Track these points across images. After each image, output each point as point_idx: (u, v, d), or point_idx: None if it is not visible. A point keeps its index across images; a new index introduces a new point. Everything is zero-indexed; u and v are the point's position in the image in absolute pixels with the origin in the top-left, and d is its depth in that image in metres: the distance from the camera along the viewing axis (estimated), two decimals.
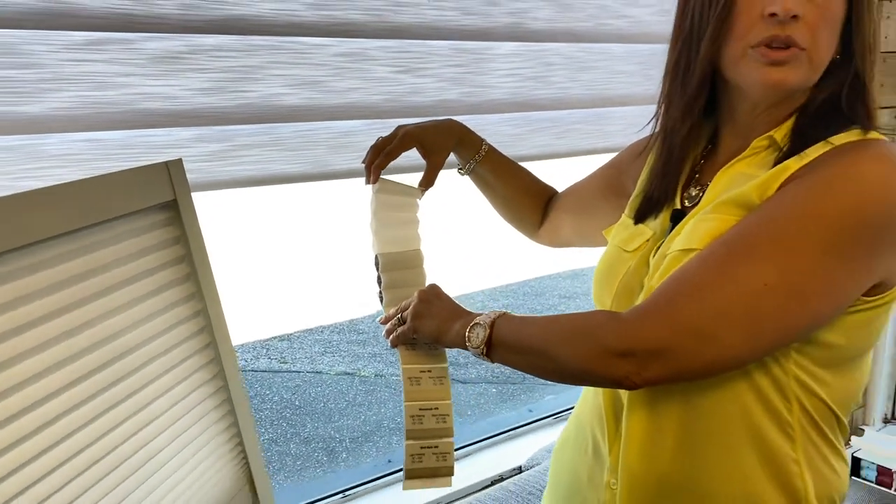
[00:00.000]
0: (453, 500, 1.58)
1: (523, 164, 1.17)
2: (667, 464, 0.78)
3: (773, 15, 0.72)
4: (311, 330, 5.59)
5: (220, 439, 0.92)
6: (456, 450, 1.77)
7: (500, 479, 1.66)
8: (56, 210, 0.68)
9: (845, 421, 0.80)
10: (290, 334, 5.53)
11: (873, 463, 1.58)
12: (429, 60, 1.34)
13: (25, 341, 0.65)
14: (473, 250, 6.43)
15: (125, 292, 0.77)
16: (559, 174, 1.22)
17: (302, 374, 4.92)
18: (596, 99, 1.59)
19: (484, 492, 1.57)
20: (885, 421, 1.87)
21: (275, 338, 5.46)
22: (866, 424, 1.84)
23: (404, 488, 0.91)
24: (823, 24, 0.73)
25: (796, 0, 0.72)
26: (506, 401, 4.52)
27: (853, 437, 1.70)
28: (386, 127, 1.04)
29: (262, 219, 6.76)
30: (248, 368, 4.97)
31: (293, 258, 6.56)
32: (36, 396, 0.66)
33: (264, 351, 5.27)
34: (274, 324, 5.51)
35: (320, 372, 4.94)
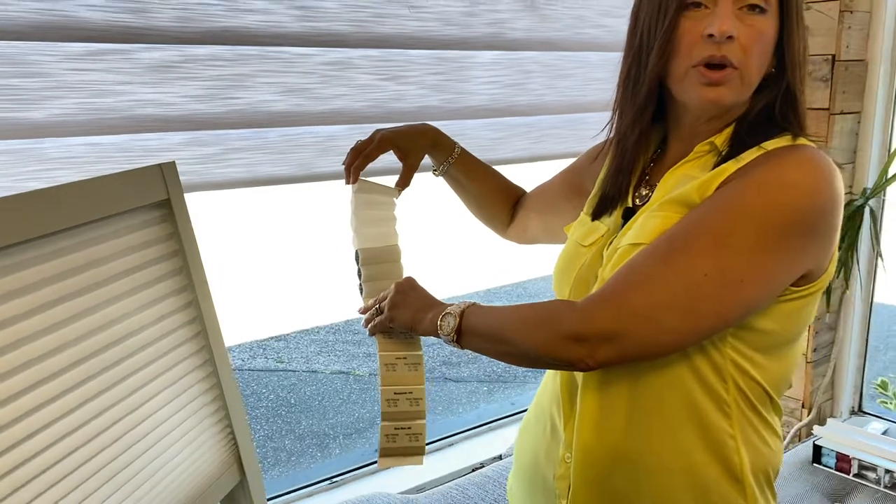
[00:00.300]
0: (437, 485, 1.64)
1: (502, 167, 1.23)
2: (617, 438, 0.85)
3: (710, 36, 0.80)
4: (307, 330, 5.62)
5: (209, 421, 0.98)
6: (442, 439, 1.84)
7: (481, 465, 1.73)
8: (57, 208, 0.74)
9: (778, 401, 0.87)
10: (287, 334, 5.56)
11: (833, 450, 1.66)
12: (411, 69, 1.39)
13: (28, 327, 0.70)
14: (469, 252, 6.47)
15: (121, 283, 0.83)
16: (538, 177, 1.28)
17: (298, 373, 4.96)
18: (572, 105, 1.65)
19: (465, 477, 1.64)
20: (853, 413, 1.95)
21: (271, 338, 5.50)
22: (834, 416, 1.91)
23: (379, 466, 0.98)
24: (756, 43, 0.81)
25: (731, 22, 0.79)
26: (496, 398, 4.58)
27: (815, 427, 1.77)
28: (369, 132, 1.10)
29: (261, 223, 6.81)
30: (245, 367, 5.01)
31: (290, 260, 6.61)
32: (37, 377, 0.71)
33: (261, 351, 5.31)
34: (271, 324, 5.54)
35: (316, 371, 4.98)
